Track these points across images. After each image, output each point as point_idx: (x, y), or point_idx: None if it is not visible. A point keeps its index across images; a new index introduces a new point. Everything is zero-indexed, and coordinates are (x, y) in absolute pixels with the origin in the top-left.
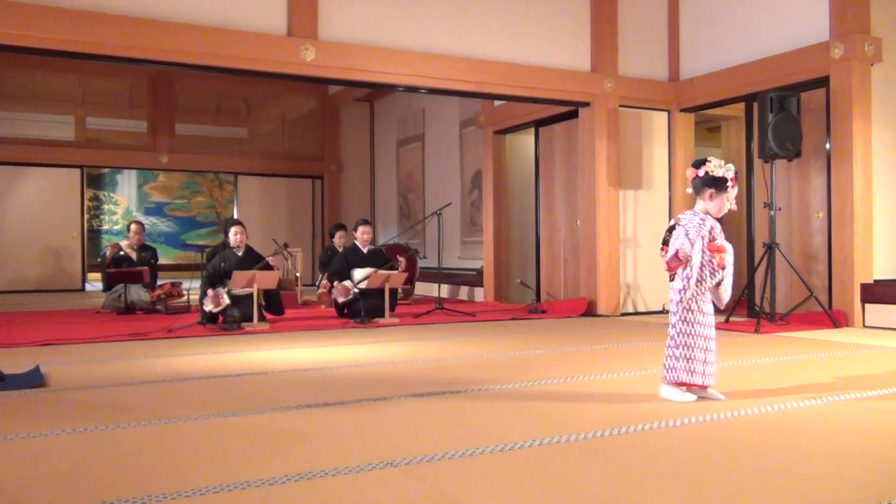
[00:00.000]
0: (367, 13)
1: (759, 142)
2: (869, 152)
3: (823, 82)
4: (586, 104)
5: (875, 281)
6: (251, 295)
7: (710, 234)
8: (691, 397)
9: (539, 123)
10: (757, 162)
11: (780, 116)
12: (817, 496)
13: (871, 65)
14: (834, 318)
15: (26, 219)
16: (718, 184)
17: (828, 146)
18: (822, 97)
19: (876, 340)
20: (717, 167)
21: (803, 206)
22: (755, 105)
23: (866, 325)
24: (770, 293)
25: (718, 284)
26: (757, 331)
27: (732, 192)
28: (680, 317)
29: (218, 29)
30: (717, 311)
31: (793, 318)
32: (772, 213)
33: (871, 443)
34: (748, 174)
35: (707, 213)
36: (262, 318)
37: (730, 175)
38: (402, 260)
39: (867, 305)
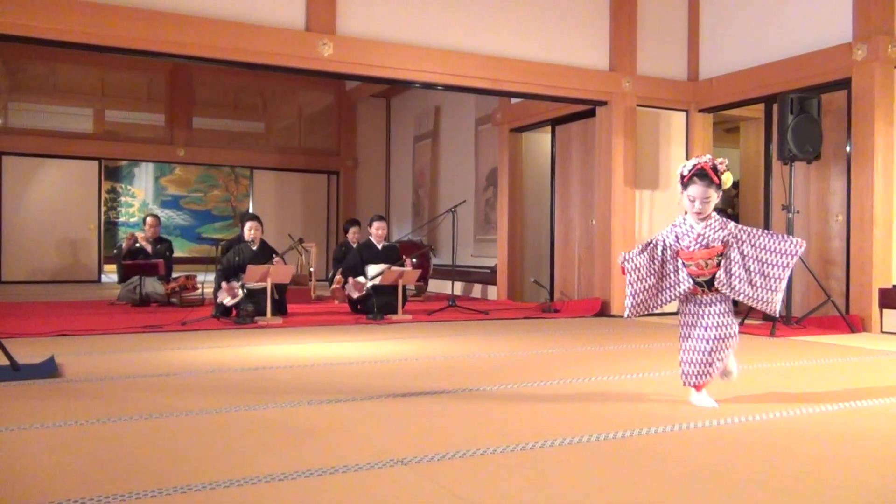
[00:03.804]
0: (385, 9)
1: (778, 143)
2: (891, 155)
3: (845, 84)
4: (604, 103)
5: (894, 286)
6: (265, 289)
7: (677, 241)
8: (710, 402)
9: (556, 122)
10: (776, 164)
11: (800, 118)
12: (830, 502)
13: (895, 67)
14: (851, 323)
15: (44, 210)
16: (681, 183)
17: (848, 149)
18: (843, 99)
19: (893, 346)
20: (682, 166)
21: (822, 210)
22: (775, 106)
23: (884, 330)
24: (787, 297)
25: (711, 288)
26: (772, 334)
27: (692, 188)
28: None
29: (236, 23)
30: (735, 313)
31: (809, 323)
32: (790, 215)
33: (887, 450)
34: (766, 176)
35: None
36: (275, 313)
37: (685, 171)
38: (408, 262)
39: (885, 311)
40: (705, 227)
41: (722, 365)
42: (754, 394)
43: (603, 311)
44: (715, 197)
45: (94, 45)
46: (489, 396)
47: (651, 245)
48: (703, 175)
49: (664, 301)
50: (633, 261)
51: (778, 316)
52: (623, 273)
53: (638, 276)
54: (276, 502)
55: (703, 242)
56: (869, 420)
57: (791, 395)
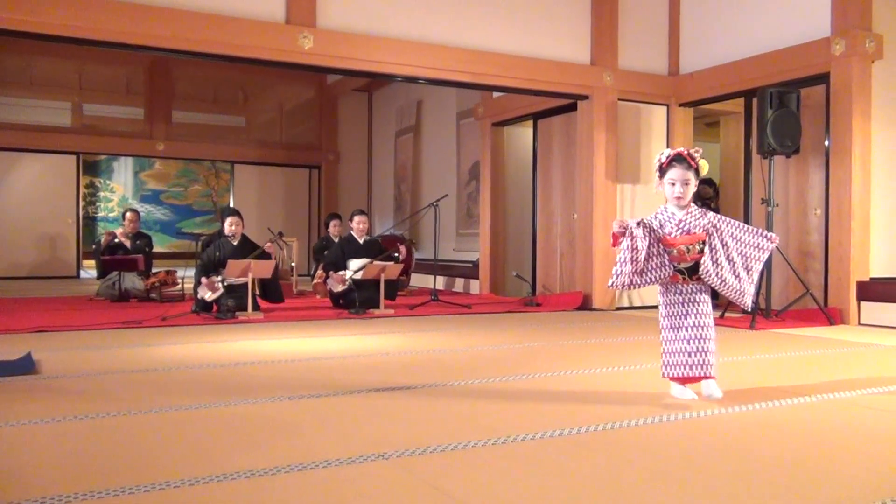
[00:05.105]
0: (367, 2)
1: (757, 138)
2: (868, 150)
3: (824, 78)
4: (585, 97)
5: (871, 279)
6: (246, 284)
7: (660, 227)
8: (689, 394)
9: (537, 116)
10: (755, 158)
11: (779, 112)
12: (810, 494)
13: (872, 62)
14: (829, 316)
15: (22, 205)
16: (660, 170)
17: (827, 143)
18: (821, 93)
19: (871, 338)
20: (659, 154)
21: (801, 203)
22: (754, 100)
23: (862, 322)
24: (766, 289)
25: (692, 276)
26: (752, 327)
27: (672, 172)
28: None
29: (216, 16)
30: (715, 306)
31: (788, 315)
32: (769, 209)
33: (865, 441)
34: (746, 170)
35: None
36: (256, 308)
37: (663, 158)
38: (402, 248)
39: (863, 303)
40: (686, 214)
41: (707, 358)
42: (734, 386)
43: (584, 304)
44: (694, 182)
45: (72, 37)
46: (471, 391)
47: (643, 222)
48: (682, 159)
49: (646, 281)
50: (635, 230)
51: (750, 309)
52: (615, 241)
53: (642, 245)
54: (256, 498)
55: (685, 228)
56: (847, 411)
57: (770, 387)
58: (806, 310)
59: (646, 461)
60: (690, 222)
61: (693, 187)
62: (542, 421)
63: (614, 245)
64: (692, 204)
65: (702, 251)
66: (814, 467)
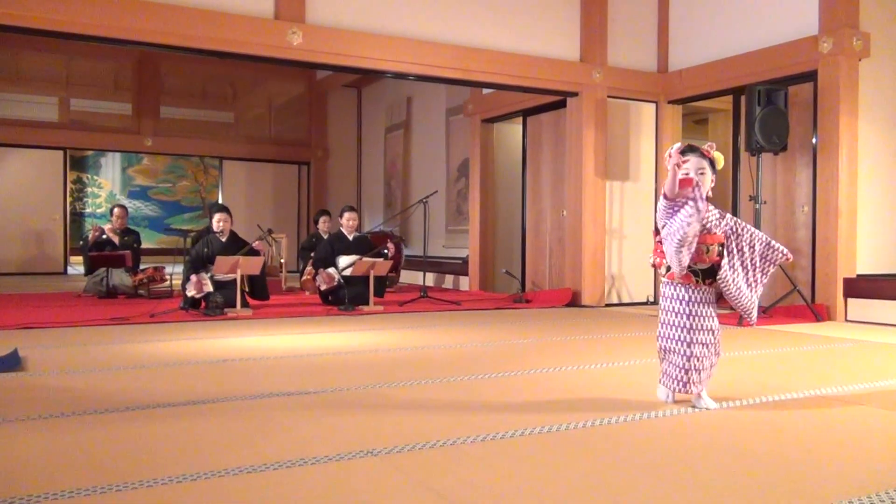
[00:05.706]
0: None
1: (745, 135)
2: (855, 147)
3: (811, 76)
4: (574, 94)
5: (858, 275)
6: (234, 280)
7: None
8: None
9: (527, 113)
10: (743, 155)
11: (767, 110)
12: (799, 488)
13: (860, 60)
14: (816, 312)
15: (8, 200)
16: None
17: (814, 140)
18: (809, 91)
19: (858, 335)
20: (670, 148)
21: (788, 200)
22: (743, 98)
23: (848, 319)
24: None
25: (705, 280)
26: (740, 324)
27: (685, 164)
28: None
29: (204, 11)
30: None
31: (776, 312)
32: (757, 206)
33: (853, 436)
34: (734, 167)
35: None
36: (245, 304)
37: (672, 151)
38: (391, 245)
39: (850, 300)
40: (707, 212)
41: (703, 376)
42: (722, 382)
43: (574, 301)
44: (710, 172)
45: (59, 31)
46: (460, 387)
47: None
48: (694, 149)
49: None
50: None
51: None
52: (683, 185)
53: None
54: (244, 495)
55: (707, 226)
56: (834, 407)
57: (758, 383)
58: (793, 306)
59: (636, 457)
60: (712, 221)
61: (710, 180)
62: (531, 417)
63: (682, 187)
64: (710, 204)
65: (720, 254)
66: (802, 462)
